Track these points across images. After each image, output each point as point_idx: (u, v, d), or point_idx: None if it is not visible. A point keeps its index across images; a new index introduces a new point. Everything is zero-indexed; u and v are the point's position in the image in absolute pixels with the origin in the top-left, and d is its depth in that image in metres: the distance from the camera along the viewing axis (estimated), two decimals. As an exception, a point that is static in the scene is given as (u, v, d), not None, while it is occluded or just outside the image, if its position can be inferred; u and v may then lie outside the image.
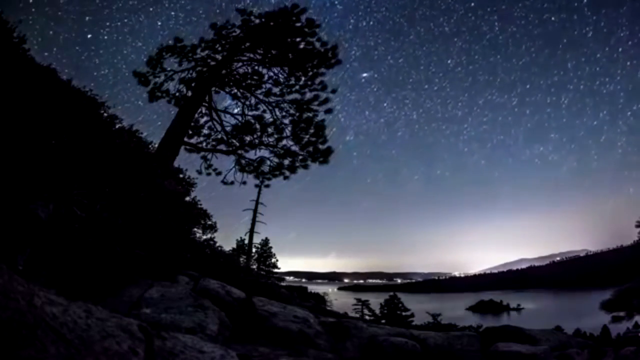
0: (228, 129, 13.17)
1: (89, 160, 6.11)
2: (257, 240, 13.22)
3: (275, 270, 13.68)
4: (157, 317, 4.07)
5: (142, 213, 7.31)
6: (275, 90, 12.97)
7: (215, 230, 9.27)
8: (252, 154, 13.14)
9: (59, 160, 5.18)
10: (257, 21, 12.46)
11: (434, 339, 5.62)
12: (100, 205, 5.49)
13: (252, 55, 12.73)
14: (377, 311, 15.15)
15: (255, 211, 12.47)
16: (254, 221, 12.59)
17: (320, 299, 13.72)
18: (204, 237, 9.18)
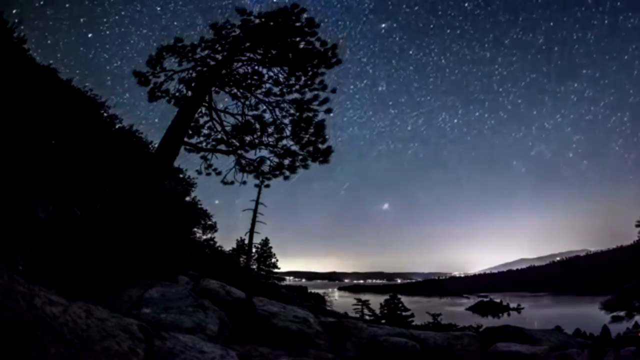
0: (228, 129, 13.17)
1: (89, 160, 6.10)
2: (257, 240, 13.25)
3: (275, 270, 13.70)
4: (157, 317, 4.07)
5: (142, 213, 7.31)
6: (275, 90, 12.97)
7: (216, 230, 9.27)
8: (252, 154, 13.14)
9: (59, 160, 5.17)
10: (257, 21, 12.45)
11: (434, 339, 5.62)
12: (101, 206, 5.49)
13: (252, 55, 12.73)
14: (377, 311, 15.12)
15: (255, 211, 12.46)
16: (254, 221, 12.58)
17: (320, 299, 13.71)
18: (204, 237, 9.18)
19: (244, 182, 13.36)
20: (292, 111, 12.94)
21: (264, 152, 13.11)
